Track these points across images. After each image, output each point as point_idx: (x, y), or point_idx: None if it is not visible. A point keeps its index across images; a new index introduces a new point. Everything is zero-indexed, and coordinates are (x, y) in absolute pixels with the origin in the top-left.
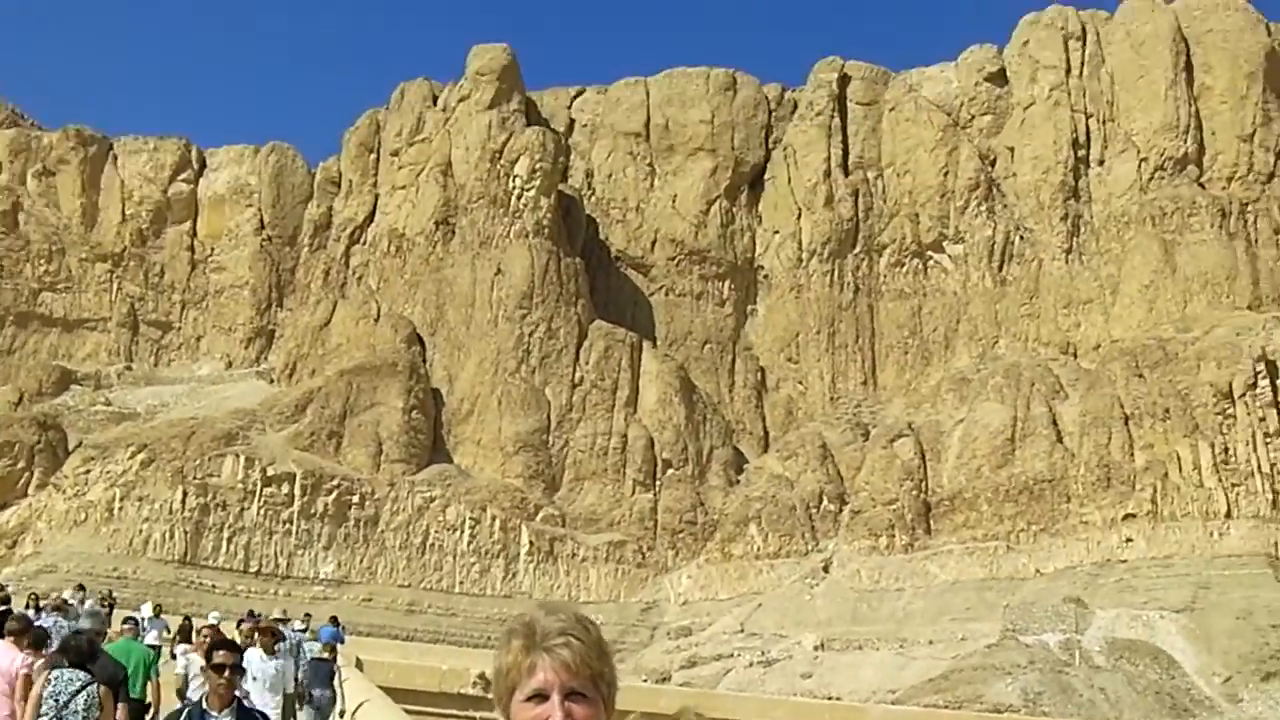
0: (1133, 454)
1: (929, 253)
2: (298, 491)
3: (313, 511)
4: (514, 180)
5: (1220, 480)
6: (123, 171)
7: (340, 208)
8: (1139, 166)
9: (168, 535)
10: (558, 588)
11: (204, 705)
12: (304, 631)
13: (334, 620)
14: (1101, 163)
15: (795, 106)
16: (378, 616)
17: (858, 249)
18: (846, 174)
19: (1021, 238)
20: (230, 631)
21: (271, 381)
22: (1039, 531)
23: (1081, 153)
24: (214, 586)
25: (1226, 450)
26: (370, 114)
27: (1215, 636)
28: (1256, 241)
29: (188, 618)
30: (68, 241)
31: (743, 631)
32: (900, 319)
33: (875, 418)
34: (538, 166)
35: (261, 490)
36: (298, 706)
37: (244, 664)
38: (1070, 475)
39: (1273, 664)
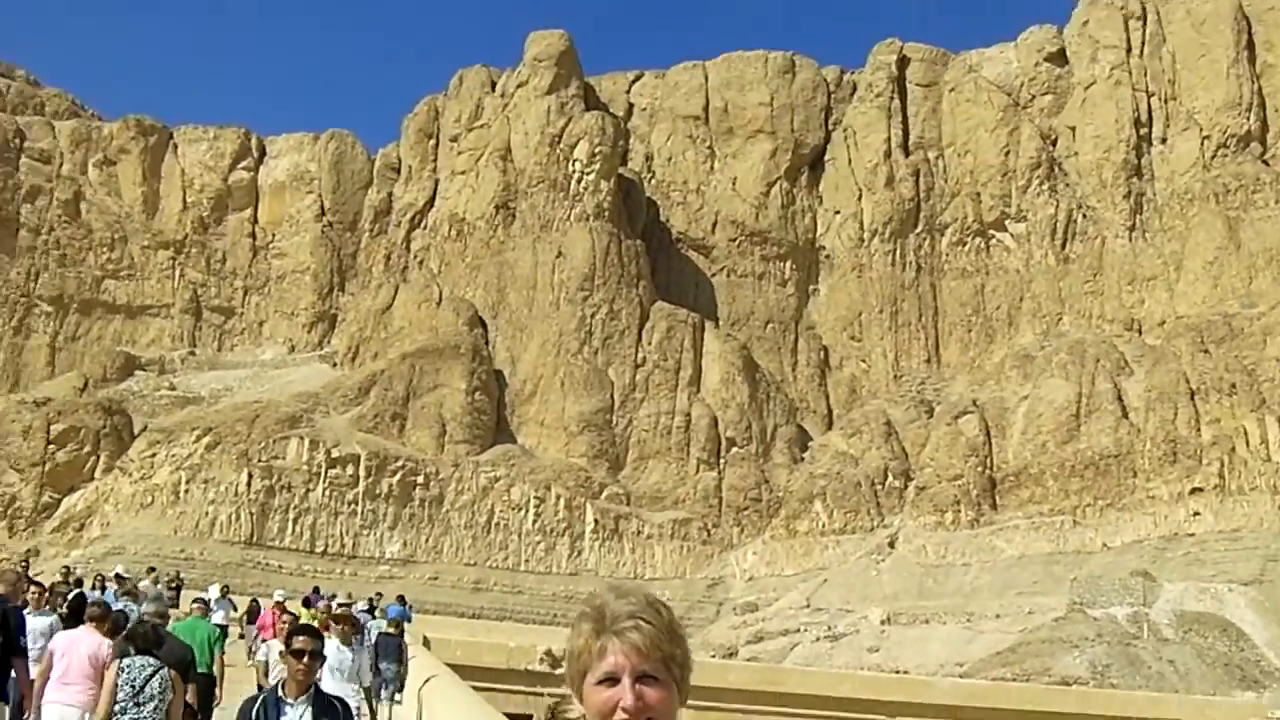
0: (1199, 429)
1: (991, 231)
2: (362, 473)
3: (378, 492)
4: (574, 164)
5: None
6: (183, 160)
7: (400, 193)
8: (1202, 144)
9: (234, 517)
10: (623, 565)
11: (280, 691)
12: (369, 613)
13: (401, 599)
14: (1164, 141)
15: (854, 89)
16: (444, 595)
17: (919, 228)
18: (907, 154)
19: (1084, 216)
20: (296, 609)
21: (334, 365)
22: (1105, 506)
23: (1143, 131)
24: (280, 567)
25: None
26: (429, 100)
27: None
28: None
29: (255, 599)
30: (129, 230)
31: (809, 607)
32: (963, 297)
33: (939, 395)
34: (597, 150)
35: (326, 472)
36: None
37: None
38: (1136, 450)
39: None
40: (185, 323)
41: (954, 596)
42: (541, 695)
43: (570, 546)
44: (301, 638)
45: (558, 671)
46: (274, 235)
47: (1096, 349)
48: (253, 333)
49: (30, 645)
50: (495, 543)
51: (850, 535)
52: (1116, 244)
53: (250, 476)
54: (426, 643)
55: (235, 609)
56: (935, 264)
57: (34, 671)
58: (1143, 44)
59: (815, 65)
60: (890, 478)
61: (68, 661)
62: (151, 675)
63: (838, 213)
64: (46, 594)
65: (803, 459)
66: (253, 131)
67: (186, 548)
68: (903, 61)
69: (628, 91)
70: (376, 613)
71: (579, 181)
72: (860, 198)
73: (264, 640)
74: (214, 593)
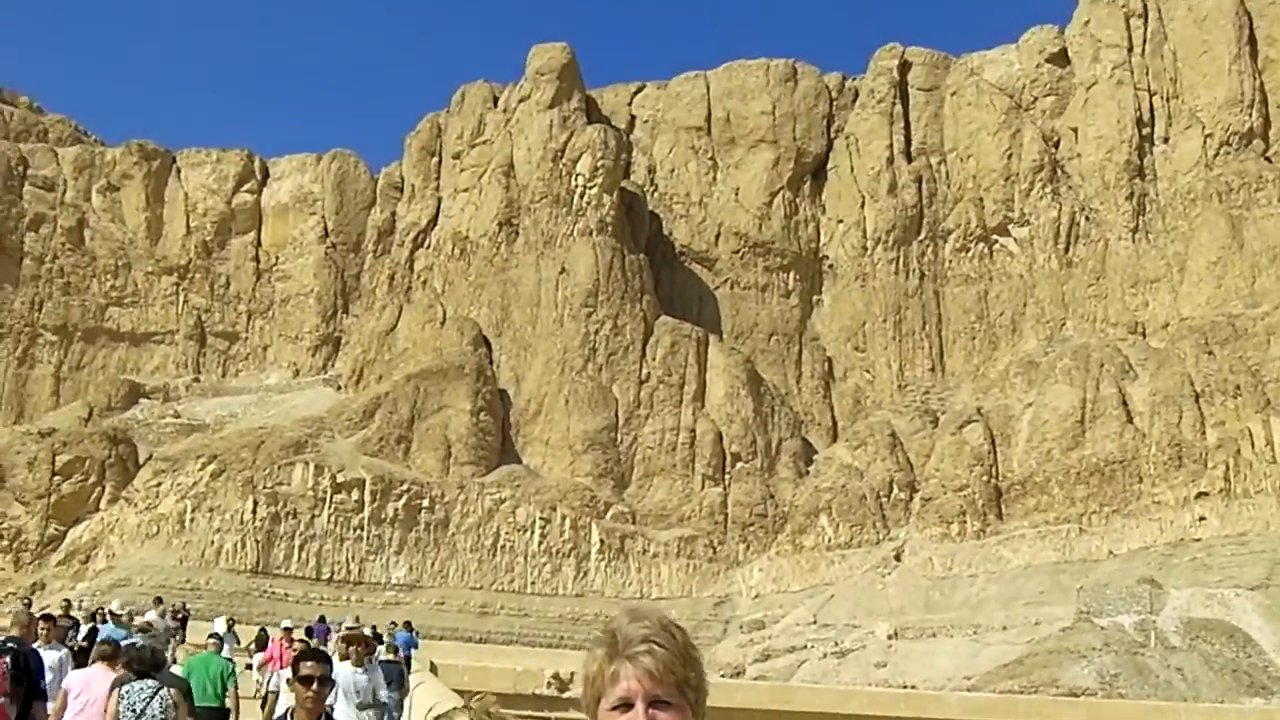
0: (1204, 432)
1: (994, 236)
2: (368, 497)
3: (383, 517)
4: (576, 179)
5: None
6: (186, 184)
7: (404, 212)
8: (1204, 142)
9: (239, 545)
10: (629, 585)
11: None
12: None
13: (407, 625)
14: (1166, 140)
15: (856, 95)
16: (451, 620)
17: (922, 235)
18: (909, 160)
19: (1087, 218)
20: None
21: (339, 388)
22: (1111, 513)
23: (1146, 131)
24: (287, 595)
25: None
26: (431, 118)
27: None
28: None
29: (263, 628)
30: (133, 256)
31: (816, 623)
32: (966, 304)
33: (944, 404)
34: (600, 164)
35: (332, 497)
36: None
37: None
38: (1142, 455)
39: None
40: (189, 349)
41: (961, 609)
42: (550, 719)
43: (576, 567)
44: (309, 663)
45: (565, 695)
46: (278, 258)
47: (1101, 353)
48: (257, 357)
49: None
50: (501, 565)
51: (856, 549)
52: (1120, 246)
53: (255, 504)
54: (434, 669)
55: (239, 642)
56: (939, 271)
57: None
58: (1144, 42)
59: (817, 72)
60: (896, 489)
61: (84, 701)
62: (151, 697)
63: (840, 221)
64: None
65: (808, 472)
66: (255, 153)
67: (193, 578)
68: (904, 66)
69: (629, 103)
70: (385, 639)
71: (581, 196)
72: (863, 205)
73: (273, 671)
74: (220, 626)
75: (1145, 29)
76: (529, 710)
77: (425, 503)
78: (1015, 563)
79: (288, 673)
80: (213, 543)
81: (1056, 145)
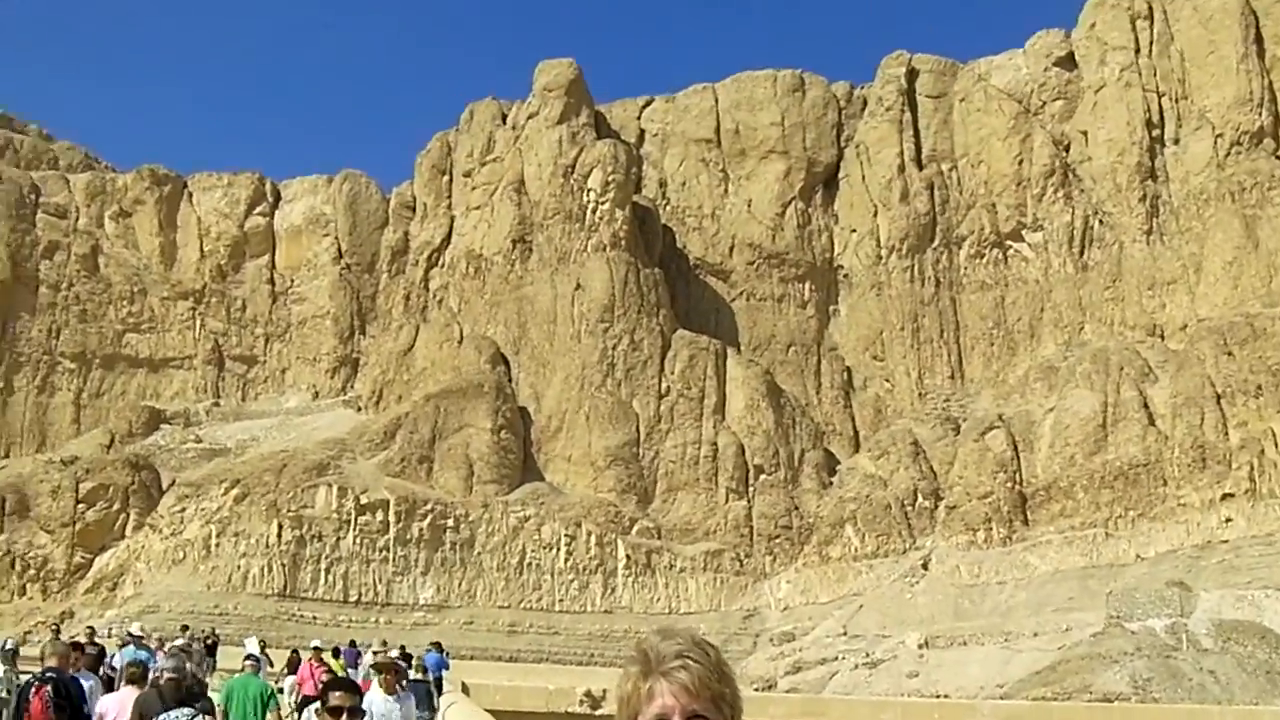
0: (1227, 433)
1: (1008, 242)
2: (392, 518)
3: (408, 537)
4: (588, 194)
5: None
6: (199, 208)
7: (416, 231)
8: (1215, 142)
9: (266, 569)
10: (657, 600)
11: None
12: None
13: (437, 646)
14: (1177, 141)
15: (865, 103)
16: (479, 639)
17: (936, 242)
18: (920, 168)
19: (1101, 222)
20: (328, 661)
21: (359, 410)
22: (1137, 516)
23: (1156, 132)
24: (315, 618)
25: None
26: (440, 136)
27: None
28: None
29: (295, 650)
30: (148, 281)
31: (845, 634)
32: (983, 310)
33: (965, 411)
34: (610, 179)
35: (356, 519)
36: None
37: (364, 705)
38: (1165, 458)
39: None
40: (208, 374)
41: (990, 616)
42: None
43: (603, 584)
44: (338, 693)
45: (598, 712)
46: (293, 280)
47: (1120, 357)
48: (276, 381)
49: None
50: (528, 583)
51: (883, 559)
52: (1134, 249)
53: (280, 527)
54: (465, 689)
55: (271, 664)
56: (954, 278)
57: None
58: (1151, 44)
59: (824, 82)
60: (920, 498)
61: None
62: None
63: (854, 230)
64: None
65: (831, 483)
66: (266, 176)
67: (220, 603)
68: (911, 74)
69: (638, 117)
70: (414, 661)
71: (594, 211)
72: (876, 214)
73: (304, 695)
74: (253, 646)
75: (1151, 30)
76: None
77: (450, 522)
78: (1043, 569)
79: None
80: (239, 567)
81: (1067, 149)
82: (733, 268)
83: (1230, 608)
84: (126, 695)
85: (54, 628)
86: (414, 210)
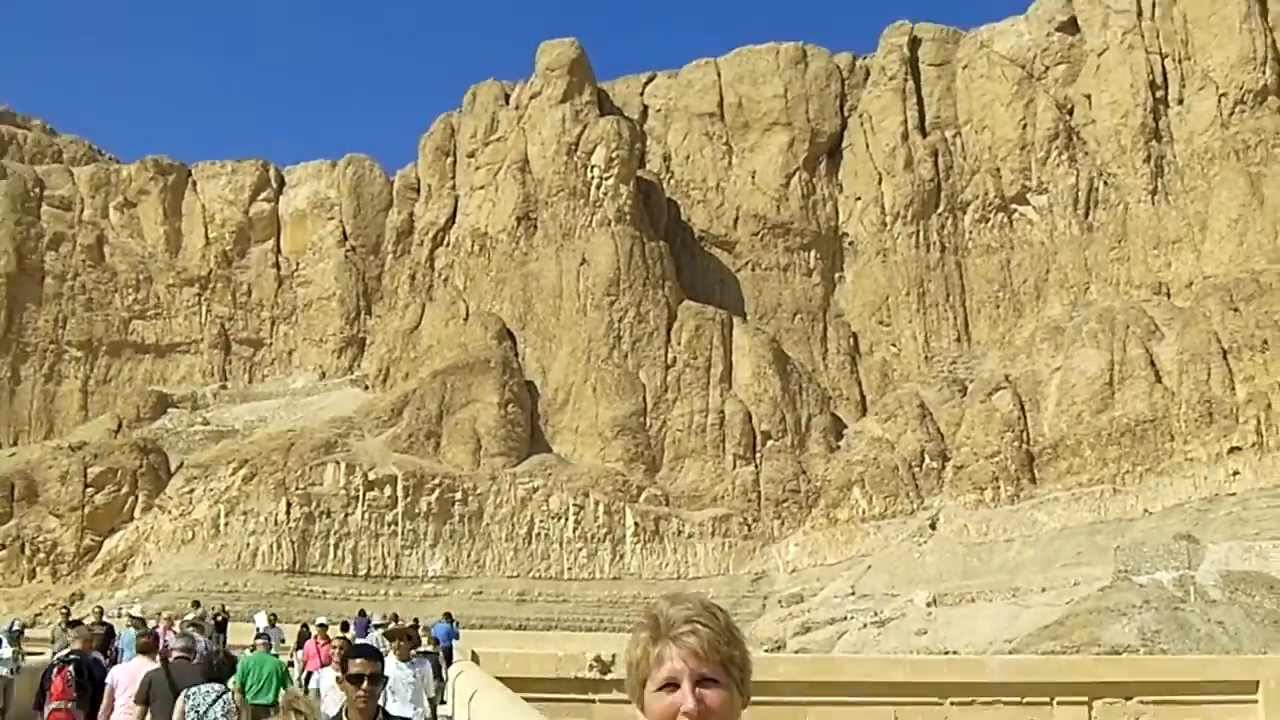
0: (1233, 388)
1: (1013, 206)
2: (400, 493)
3: (417, 511)
4: (592, 171)
5: None
6: (203, 196)
7: (421, 212)
8: (1219, 102)
9: (275, 546)
10: (665, 566)
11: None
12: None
13: (448, 616)
14: (1180, 101)
15: (868, 73)
16: (489, 609)
17: (941, 208)
18: (924, 135)
19: (1105, 183)
20: (334, 634)
21: (366, 388)
22: (1145, 472)
23: (1160, 93)
24: (324, 593)
25: None
26: (444, 118)
27: None
28: None
29: (305, 625)
30: (154, 269)
31: (854, 594)
32: (989, 273)
33: (971, 373)
34: (614, 155)
35: (364, 495)
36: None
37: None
38: (1172, 414)
39: None
40: (215, 357)
41: (998, 574)
42: (594, 702)
43: (612, 551)
44: (359, 660)
45: (608, 677)
46: (298, 264)
47: (1126, 315)
48: (283, 362)
49: None
50: (537, 553)
51: (891, 520)
52: (1139, 209)
53: (289, 505)
54: (475, 658)
55: (284, 640)
56: (959, 243)
57: None
58: (1153, 5)
59: (827, 53)
60: (927, 459)
61: (130, 694)
62: (214, 701)
63: (859, 199)
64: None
65: (838, 447)
66: (270, 162)
67: (230, 580)
68: (914, 42)
69: (641, 94)
70: (422, 632)
71: (598, 187)
72: (880, 182)
73: (309, 671)
74: (261, 621)
75: None
76: (573, 694)
77: (458, 495)
78: (1051, 525)
79: (329, 672)
80: (248, 545)
81: (1070, 112)
82: (738, 239)
83: (1238, 559)
84: (137, 666)
85: (64, 610)
86: (418, 191)
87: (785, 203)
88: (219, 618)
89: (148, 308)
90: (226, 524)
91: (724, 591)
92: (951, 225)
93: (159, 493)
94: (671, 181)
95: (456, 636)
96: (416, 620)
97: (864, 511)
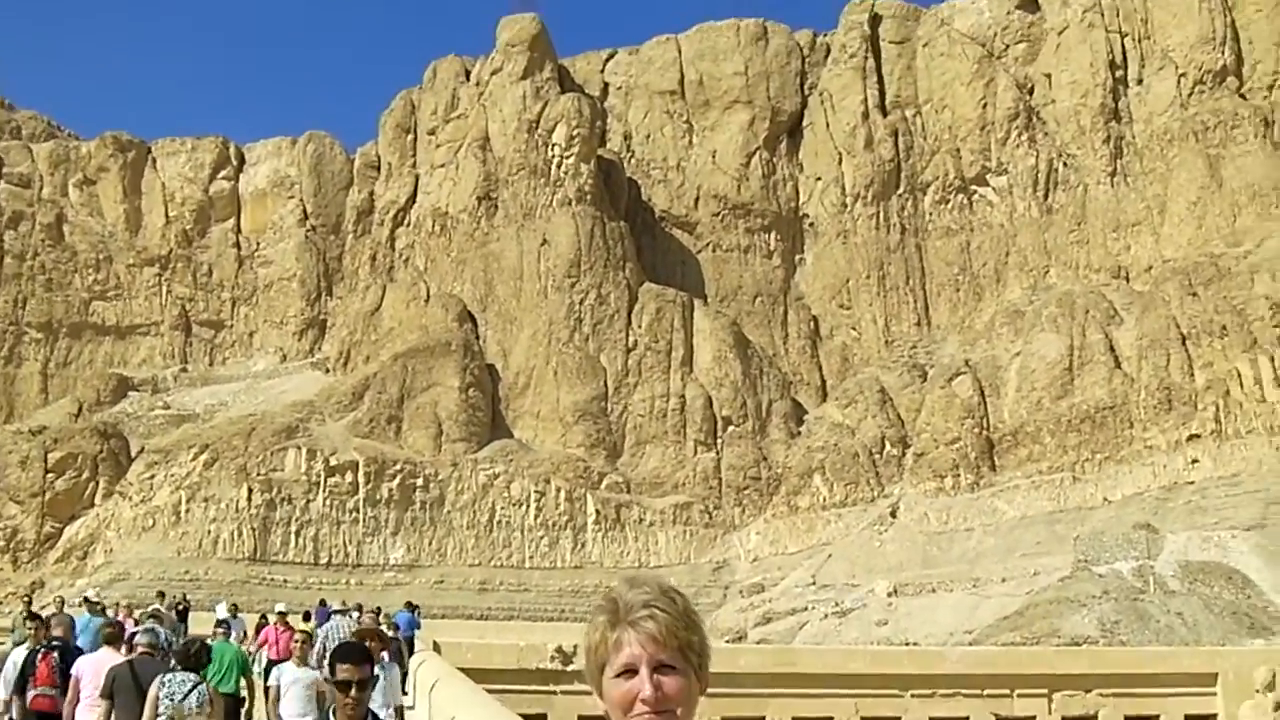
0: (1193, 374)
1: (973, 187)
2: (361, 479)
3: (378, 498)
4: (553, 149)
5: None
6: (163, 174)
7: (382, 191)
8: (1178, 82)
9: (236, 534)
10: (627, 554)
11: None
12: (343, 614)
13: (409, 605)
14: (1140, 82)
15: (828, 51)
16: (451, 598)
17: (901, 189)
18: (885, 115)
19: (1065, 164)
20: (297, 624)
21: (327, 371)
22: (1104, 459)
23: (1119, 73)
24: (285, 581)
25: None
26: (404, 95)
27: None
28: None
29: (264, 615)
30: (114, 249)
31: (815, 584)
32: (949, 256)
33: (931, 358)
34: (575, 133)
35: (326, 481)
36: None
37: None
38: (1131, 400)
39: None
40: (175, 339)
41: (959, 563)
42: (555, 693)
43: (573, 539)
44: (346, 666)
45: (569, 668)
46: (258, 243)
47: (1085, 300)
48: (243, 344)
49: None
50: (499, 541)
51: (851, 508)
52: (1099, 191)
53: (250, 491)
54: (437, 648)
55: (245, 633)
56: (919, 224)
57: None
58: None
59: (788, 30)
60: (888, 446)
61: (94, 685)
62: (190, 690)
63: (819, 179)
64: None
65: (799, 433)
66: (230, 140)
67: (191, 568)
68: (875, 20)
69: (602, 70)
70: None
71: (559, 166)
72: (840, 162)
73: (270, 661)
74: (222, 611)
75: None
76: (534, 685)
77: (419, 482)
78: (1010, 514)
79: (290, 667)
80: (209, 532)
81: (1030, 92)
82: (698, 219)
83: (1197, 549)
84: (103, 657)
85: (25, 599)
86: (379, 170)
87: (746, 183)
88: (180, 607)
89: (108, 288)
90: (188, 510)
91: (685, 580)
92: (912, 206)
93: (120, 478)
94: (632, 160)
95: (418, 626)
96: (379, 609)
97: (825, 499)
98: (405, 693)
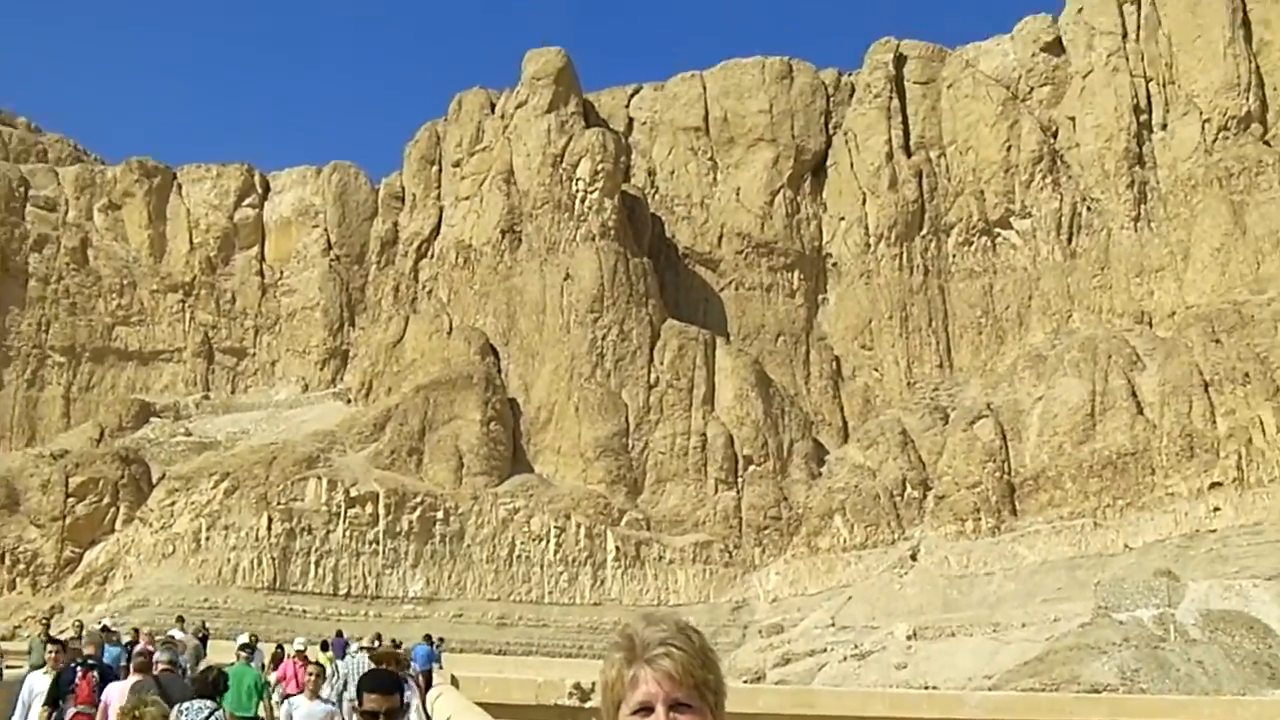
0: (1215, 421)
1: (996, 229)
2: (381, 511)
3: (398, 530)
4: (577, 183)
5: None
6: (188, 200)
7: (406, 222)
8: (1202, 128)
9: (255, 563)
10: (646, 592)
11: None
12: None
13: (428, 638)
14: (1164, 126)
15: (853, 90)
16: (469, 632)
17: (925, 230)
18: (909, 155)
19: (1089, 208)
20: (316, 655)
21: (349, 402)
22: (1125, 506)
23: (1144, 118)
24: (304, 611)
25: None
26: (429, 126)
27: None
28: None
29: (280, 645)
30: (138, 274)
31: (834, 625)
32: (972, 298)
33: (954, 400)
34: (599, 168)
35: (346, 512)
36: None
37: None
38: (1153, 447)
39: None
40: (198, 366)
41: (979, 607)
42: None
43: (593, 576)
44: (374, 696)
45: (587, 705)
46: (282, 272)
47: (1108, 345)
48: (266, 373)
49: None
50: (518, 576)
51: (872, 549)
52: (1122, 235)
53: (270, 520)
54: (455, 682)
55: (263, 665)
56: (943, 266)
57: None
58: (1138, 28)
59: (813, 69)
60: (909, 488)
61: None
62: (208, 717)
63: (843, 219)
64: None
65: (820, 474)
66: (255, 168)
67: (210, 596)
68: (900, 60)
69: (627, 105)
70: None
71: (583, 201)
72: (864, 202)
73: (286, 695)
74: (242, 639)
75: (1139, 14)
76: None
77: (439, 515)
78: (1031, 559)
79: (303, 701)
80: (229, 560)
81: (1055, 135)
82: (721, 257)
83: (1218, 598)
84: (131, 683)
85: (44, 622)
86: (403, 201)
87: (769, 221)
88: (200, 635)
89: (131, 314)
90: (208, 538)
91: (704, 620)
92: (935, 248)
93: (140, 504)
94: (656, 196)
95: (437, 659)
96: (396, 641)
97: (845, 541)
98: None
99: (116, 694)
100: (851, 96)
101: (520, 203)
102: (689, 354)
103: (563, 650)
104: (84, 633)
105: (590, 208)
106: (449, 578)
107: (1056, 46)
